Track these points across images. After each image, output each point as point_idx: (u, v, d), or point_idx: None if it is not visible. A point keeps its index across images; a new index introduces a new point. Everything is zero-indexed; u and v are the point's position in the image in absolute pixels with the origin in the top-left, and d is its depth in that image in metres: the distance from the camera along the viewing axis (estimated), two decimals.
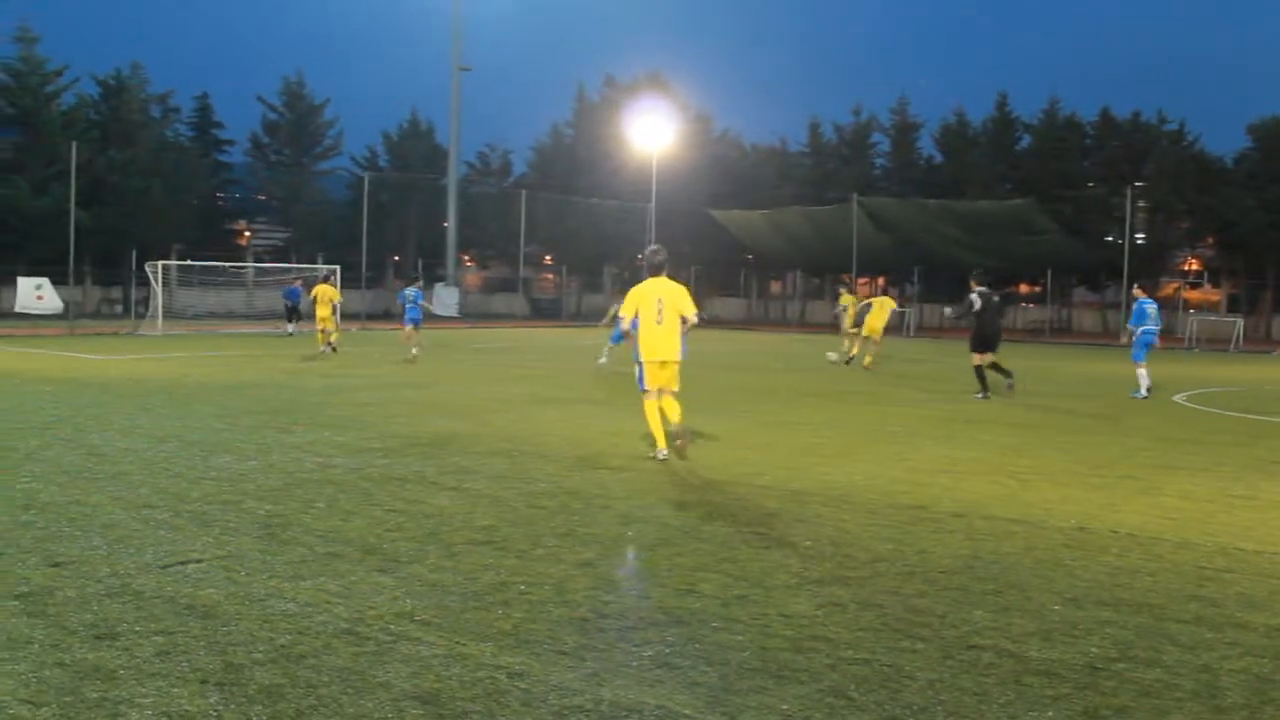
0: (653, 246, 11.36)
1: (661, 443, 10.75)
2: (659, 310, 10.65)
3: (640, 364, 10.86)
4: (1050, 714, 4.39)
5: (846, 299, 30.57)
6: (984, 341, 18.23)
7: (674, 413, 10.70)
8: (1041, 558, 6.98)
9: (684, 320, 10.75)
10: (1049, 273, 53.55)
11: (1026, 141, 63.43)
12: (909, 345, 41.55)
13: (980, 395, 17.89)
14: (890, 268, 62.73)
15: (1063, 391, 20.03)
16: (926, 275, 59.60)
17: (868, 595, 6.02)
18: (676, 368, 10.82)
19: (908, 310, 56.17)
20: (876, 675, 4.78)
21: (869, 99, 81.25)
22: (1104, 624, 5.59)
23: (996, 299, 18.85)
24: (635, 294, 10.85)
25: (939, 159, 66.16)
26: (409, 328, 25.12)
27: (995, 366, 18.26)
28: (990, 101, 64.34)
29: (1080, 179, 60.29)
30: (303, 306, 34.12)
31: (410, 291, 25.80)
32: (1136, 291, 20.77)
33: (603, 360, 22.35)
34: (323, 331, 26.24)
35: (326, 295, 26.47)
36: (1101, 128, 61.06)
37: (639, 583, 6.23)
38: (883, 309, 25.24)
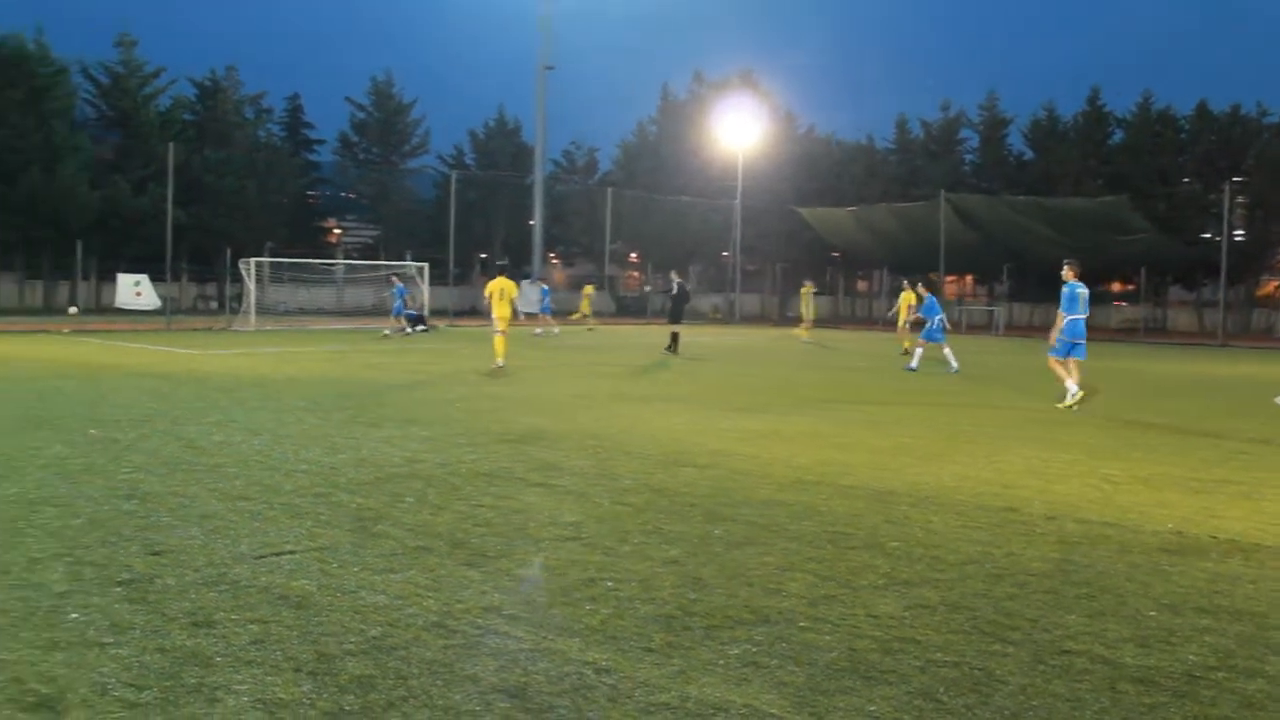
0: (501, 262, 22.73)
1: (499, 360, 20.36)
2: (501, 293, 20.52)
3: (494, 318, 20.80)
4: None
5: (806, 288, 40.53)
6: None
7: (503, 347, 20.60)
8: (1136, 562, 6.82)
9: (511, 300, 20.63)
10: (1143, 271, 52.32)
11: (1119, 136, 62.07)
12: (998, 344, 40.92)
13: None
14: (979, 265, 61.82)
15: (1157, 392, 19.55)
16: (1016, 273, 58.65)
17: (957, 597, 5.94)
18: (509, 322, 20.77)
19: (997, 309, 55.37)
20: (966, 678, 4.71)
21: (958, 94, 80.00)
22: (1203, 631, 5.45)
23: (688, 289, 28.93)
24: (492, 285, 20.71)
25: (1029, 155, 65.06)
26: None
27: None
28: (1081, 95, 63.15)
29: (1175, 174, 58.83)
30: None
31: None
32: (922, 290, 24.24)
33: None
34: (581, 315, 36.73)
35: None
36: (1197, 121, 59.50)
37: (727, 581, 6.21)
38: None
